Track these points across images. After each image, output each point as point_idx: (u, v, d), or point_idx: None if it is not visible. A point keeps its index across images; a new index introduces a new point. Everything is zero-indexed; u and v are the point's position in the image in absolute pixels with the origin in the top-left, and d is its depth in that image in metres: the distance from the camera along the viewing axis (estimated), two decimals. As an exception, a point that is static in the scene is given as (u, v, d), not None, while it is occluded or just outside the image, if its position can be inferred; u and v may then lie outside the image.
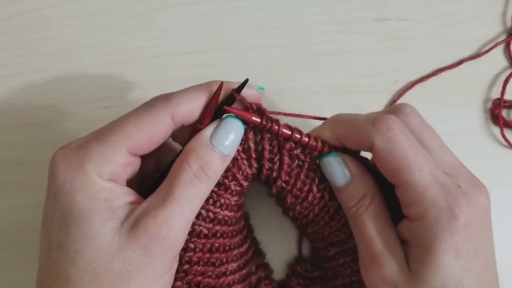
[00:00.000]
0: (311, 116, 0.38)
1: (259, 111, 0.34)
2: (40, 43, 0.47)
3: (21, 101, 0.46)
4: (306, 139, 0.35)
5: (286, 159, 0.35)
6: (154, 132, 0.32)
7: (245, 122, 0.34)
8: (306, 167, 0.36)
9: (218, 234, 0.36)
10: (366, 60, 0.48)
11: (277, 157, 0.35)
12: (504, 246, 0.41)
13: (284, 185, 0.36)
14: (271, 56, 0.47)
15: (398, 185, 0.32)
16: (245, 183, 0.36)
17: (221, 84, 0.33)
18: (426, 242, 0.30)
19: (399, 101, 0.47)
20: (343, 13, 0.49)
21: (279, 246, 0.44)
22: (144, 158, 0.35)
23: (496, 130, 0.47)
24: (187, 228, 0.31)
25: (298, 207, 0.37)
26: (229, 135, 0.32)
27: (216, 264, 0.36)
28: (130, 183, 0.33)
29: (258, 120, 0.34)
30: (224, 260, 0.37)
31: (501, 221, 0.42)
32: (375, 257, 0.32)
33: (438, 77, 0.48)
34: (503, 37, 0.49)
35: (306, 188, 0.36)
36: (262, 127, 0.34)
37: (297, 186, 0.36)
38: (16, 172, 0.44)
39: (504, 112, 0.47)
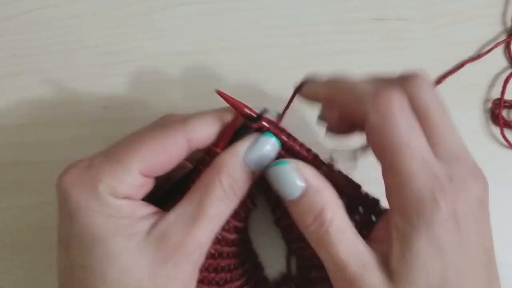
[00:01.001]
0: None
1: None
2: (40, 43, 0.47)
3: (21, 101, 0.46)
4: (304, 153, 0.33)
5: None
6: (168, 155, 0.31)
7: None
8: None
9: (225, 254, 0.35)
10: (366, 60, 0.48)
11: None
12: (504, 247, 0.41)
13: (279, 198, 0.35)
14: (271, 56, 0.47)
15: (385, 167, 0.29)
16: (252, 207, 0.35)
17: (240, 113, 0.32)
18: (407, 238, 0.28)
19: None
20: (343, 13, 0.49)
21: (273, 255, 0.43)
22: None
23: (496, 130, 0.47)
24: (211, 241, 0.31)
25: (285, 222, 0.36)
26: (264, 154, 0.31)
27: (221, 283, 0.35)
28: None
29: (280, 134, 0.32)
30: (229, 278, 0.36)
31: (501, 221, 0.42)
32: (351, 281, 0.29)
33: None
34: (503, 37, 0.49)
35: None
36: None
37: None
38: (16, 172, 0.44)
39: (504, 112, 0.47)
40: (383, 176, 0.30)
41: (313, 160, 0.33)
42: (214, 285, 0.35)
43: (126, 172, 0.30)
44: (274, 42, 0.48)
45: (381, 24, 0.49)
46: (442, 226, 0.27)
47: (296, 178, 0.30)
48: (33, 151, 0.45)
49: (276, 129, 0.32)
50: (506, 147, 0.46)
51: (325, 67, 0.47)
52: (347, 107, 0.31)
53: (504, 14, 0.50)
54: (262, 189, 0.37)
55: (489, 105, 0.48)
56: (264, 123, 0.32)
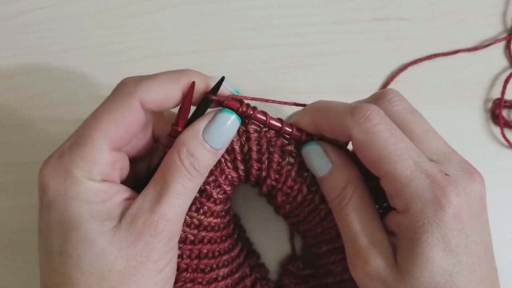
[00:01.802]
0: (290, 103, 0.36)
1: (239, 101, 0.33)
2: (40, 43, 0.47)
3: (21, 101, 0.46)
4: (289, 130, 0.33)
5: (276, 156, 0.34)
6: (128, 122, 0.31)
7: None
8: (297, 163, 0.34)
9: (205, 240, 0.35)
10: (366, 60, 0.48)
11: (265, 156, 0.34)
12: (504, 247, 0.41)
13: (274, 183, 0.35)
14: (271, 56, 0.47)
15: (381, 177, 0.31)
16: (228, 188, 0.35)
17: (193, 84, 0.32)
18: (413, 236, 0.29)
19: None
20: (343, 13, 0.49)
21: (271, 245, 0.43)
22: (136, 160, 0.35)
23: (497, 130, 0.47)
24: (182, 219, 0.32)
25: (288, 206, 0.36)
26: (223, 130, 0.32)
27: (206, 270, 0.36)
28: (125, 184, 0.33)
29: (241, 107, 0.32)
30: (214, 266, 0.36)
31: (501, 221, 0.42)
32: (360, 252, 0.31)
33: (438, 76, 0.48)
34: (504, 36, 0.49)
35: (296, 187, 0.35)
36: (246, 116, 0.33)
37: (287, 184, 0.35)
38: (16, 172, 0.44)
39: (504, 112, 0.47)
40: (381, 184, 0.31)
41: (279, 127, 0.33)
42: (199, 273, 0.35)
43: (96, 151, 0.30)
44: (274, 42, 0.48)
45: (381, 24, 0.49)
46: (449, 225, 0.28)
47: (324, 157, 0.33)
48: (33, 151, 0.45)
49: (234, 100, 0.32)
50: (506, 147, 0.46)
51: (325, 67, 0.47)
52: (330, 131, 0.33)
53: (504, 14, 0.50)
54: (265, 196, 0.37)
55: (489, 105, 0.48)
56: (226, 98, 0.32)
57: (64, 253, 0.29)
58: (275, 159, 0.34)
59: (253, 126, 0.34)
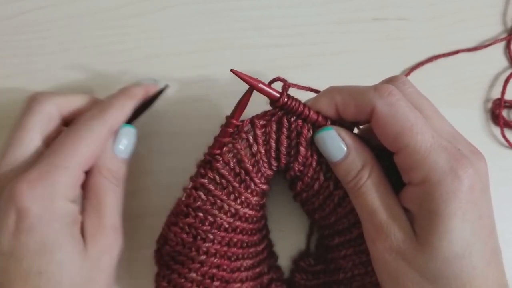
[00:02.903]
0: (306, 87, 0.38)
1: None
2: (40, 43, 0.47)
3: (21, 101, 0.46)
4: (307, 112, 0.34)
5: (303, 150, 0.35)
6: (100, 147, 0.35)
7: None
8: (315, 150, 0.35)
9: (238, 230, 0.36)
10: (366, 60, 0.48)
11: (294, 149, 0.35)
12: (504, 247, 0.41)
13: (298, 173, 0.36)
14: (271, 56, 0.47)
15: (399, 150, 0.31)
16: (264, 186, 0.36)
17: (253, 87, 0.35)
18: (431, 207, 0.29)
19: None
20: (343, 13, 0.49)
21: (285, 243, 0.44)
22: None
23: (496, 130, 0.47)
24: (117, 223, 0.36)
25: (305, 194, 0.37)
26: (124, 142, 0.37)
27: (232, 259, 0.37)
28: None
29: (281, 98, 0.34)
30: (240, 256, 0.37)
31: (500, 221, 0.42)
32: (380, 228, 0.32)
33: (438, 76, 0.48)
34: (504, 36, 0.49)
35: (315, 176, 0.36)
36: (283, 105, 0.34)
37: (309, 175, 0.36)
38: (16, 172, 0.44)
39: (504, 112, 0.47)
40: (396, 160, 0.32)
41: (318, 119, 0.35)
42: (226, 260, 0.36)
43: (75, 176, 0.33)
44: (274, 42, 0.48)
45: (381, 24, 0.49)
46: (465, 196, 0.29)
47: (339, 142, 0.34)
48: (33, 151, 0.45)
49: (294, 101, 0.35)
50: (506, 147, 0.46)
51: (325, 67, 0.47)
52: (351, 109, 0.33)
53: (504, 14, 0.50)
54: (280, 169, 0.38)
55: (489, 105, 0.48)
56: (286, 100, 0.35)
57: (45, 273, 0.30)
58: (301, 153, 0.35)
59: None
